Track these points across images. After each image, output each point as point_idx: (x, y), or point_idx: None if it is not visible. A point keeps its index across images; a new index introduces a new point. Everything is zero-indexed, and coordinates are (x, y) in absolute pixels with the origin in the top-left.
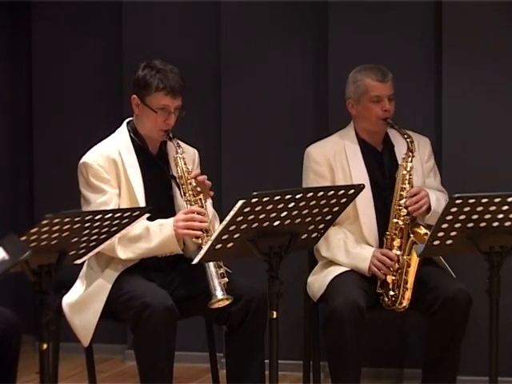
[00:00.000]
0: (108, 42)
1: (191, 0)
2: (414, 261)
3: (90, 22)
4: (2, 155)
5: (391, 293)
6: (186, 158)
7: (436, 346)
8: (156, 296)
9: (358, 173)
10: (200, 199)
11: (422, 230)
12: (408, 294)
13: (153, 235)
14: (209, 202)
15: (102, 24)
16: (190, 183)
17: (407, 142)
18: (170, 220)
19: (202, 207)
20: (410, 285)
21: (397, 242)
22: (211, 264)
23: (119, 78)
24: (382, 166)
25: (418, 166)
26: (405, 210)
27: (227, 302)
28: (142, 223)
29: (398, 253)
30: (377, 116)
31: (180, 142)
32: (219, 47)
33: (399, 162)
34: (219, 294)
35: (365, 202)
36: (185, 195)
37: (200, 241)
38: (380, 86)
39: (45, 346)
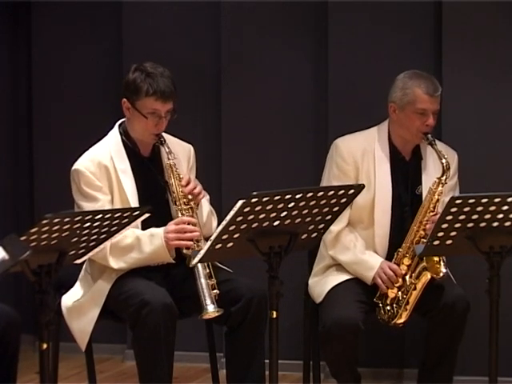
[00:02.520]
0: (108, 42)
1: (191, 0)
2: (421, 285)
3: (90, 21)
4: (2, 155)
5: (388, 307)
6: (180, 156)
7: (433, 349)
8: (155, 293)
9: (382, 181)
10: (191, 208)
11: (436, 257)
12: (406, 314)
13: (144, 245)
14: (206, 199)
15: (102, 24)
16: (182, 191)
17: (442, 165)
18: (161, 230)
19: (193, 216)
20: (410, 306)
21: (406, 261)
22: (202, 275)
23: (119, 78)
24: (407, 178)
25: None
26: (422, 232)
27: (217, 315)
28: (133, 232)
29: (404, 271)
30: (418, 129)
31: (175, 138)
32: (219, 47)
33: (423, 178)
34: (210, 307)
35: (382, 212)
36: (175, 204)
37: (190, 251)
38: (429, 100)
39: (45, 345)
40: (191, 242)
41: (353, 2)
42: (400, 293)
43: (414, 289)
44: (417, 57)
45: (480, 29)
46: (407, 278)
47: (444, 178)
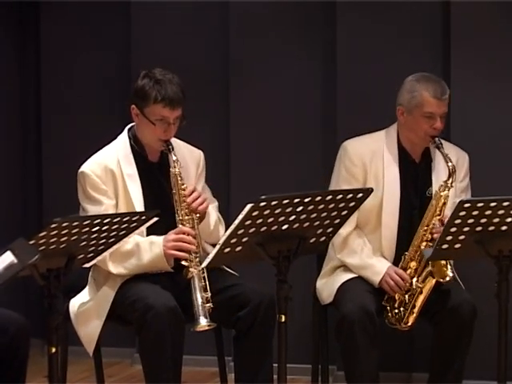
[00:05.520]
0: (116, 44)
1: (200, 0)
2: (427, 290)
3: (99, 22)
4: (11, 158)
5: (396, 310)
6: (189, 161)
7: (441, 356)
8: (158, 297)
9: (390, 183)
10: (192, 219)
11: (443, 261)
12: (412, 318)
13: (143, 252)
14: (214, 206)
15: (110, 25)
16: (184, 201)
17: (449, 169)
18: (161, 238)
19: (193, 227)
20: (416, 309)
21: (413, 265)
22: (197, 288)
23: (128, 81)
24: (416, 180)
25: None
26: (429, 236)
27: (208, 328)
28: (134, 239)
29: (411, 275)
30: (425, 132)
31: (185, 143)
32: (227, 48)
33: (433, 179)
34: (202, 321)
35: (390, 215)
36: (177, 213)
37: (187, 263)
38: (436, 104)
39: (53, 349)
40: (187, 254)
41: (361, 3)
42: (407, 296)
43: (421, 293)
44: (425, 57)
45: (489, 29)
46: (414, 281)
47: (450, 181)
